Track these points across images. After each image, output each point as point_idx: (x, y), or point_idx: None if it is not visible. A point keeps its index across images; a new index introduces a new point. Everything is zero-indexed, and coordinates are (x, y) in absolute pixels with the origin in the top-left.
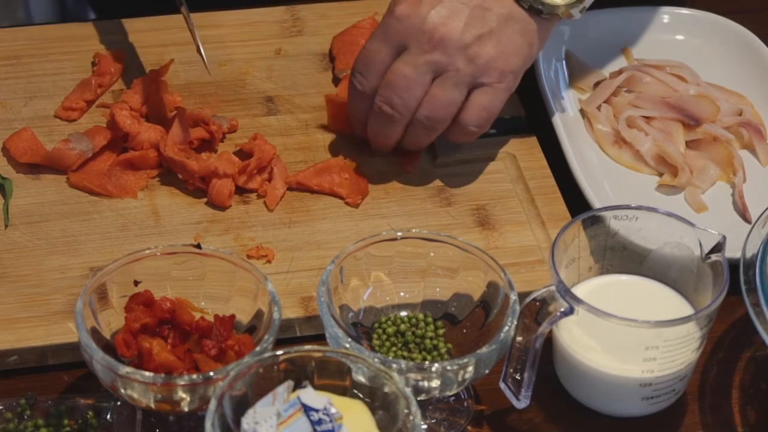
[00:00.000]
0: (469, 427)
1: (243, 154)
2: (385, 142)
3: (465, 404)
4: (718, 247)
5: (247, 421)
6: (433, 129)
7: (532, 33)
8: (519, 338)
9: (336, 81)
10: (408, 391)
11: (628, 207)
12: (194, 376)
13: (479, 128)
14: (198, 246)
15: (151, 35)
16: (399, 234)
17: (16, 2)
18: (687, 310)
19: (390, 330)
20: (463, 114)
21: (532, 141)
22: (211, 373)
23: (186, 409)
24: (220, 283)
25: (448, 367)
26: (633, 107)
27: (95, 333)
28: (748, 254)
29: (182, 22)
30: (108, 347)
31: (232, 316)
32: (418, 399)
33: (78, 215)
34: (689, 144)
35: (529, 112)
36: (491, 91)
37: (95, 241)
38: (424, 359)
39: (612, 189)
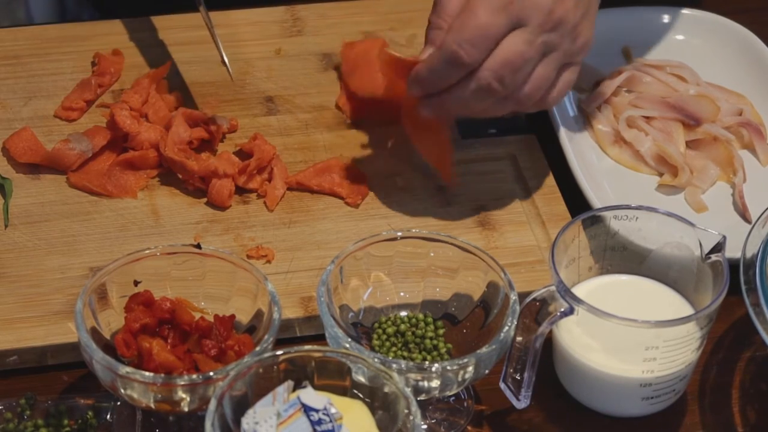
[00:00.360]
0: (469, 427)
1: (243, 154)
2: (466, 111)
3: (465, 404)
4: (718, 247)
5: (247, 421)
6: (523, 104)
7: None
8: (519, 338)
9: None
10: (408, 391)
11: (628, 207)
12: (194, 376)
13: (556, 103)
14: (198, 246)
15: (151, 35)
16: (399, 234)
17: (17, 2)
18: (687, 310)
19: (390, 330)
20: (552, 91)
21: (532, 141)
22: (211, 373)
23: (186, 409)
24: (220, 283)
25: (448, 367)
26: (633, 107)
27: (95, 333)
28: (748, 254)
29: (183, 21)
30: (108, 347)
31: (232, 316)
32: (418, 399)
33: (78, 215)
34: (689, 144)
35: (529, 112)
36: (576, 69)
37: (95, 241)
38: (424, 359)
39: (612, 189)
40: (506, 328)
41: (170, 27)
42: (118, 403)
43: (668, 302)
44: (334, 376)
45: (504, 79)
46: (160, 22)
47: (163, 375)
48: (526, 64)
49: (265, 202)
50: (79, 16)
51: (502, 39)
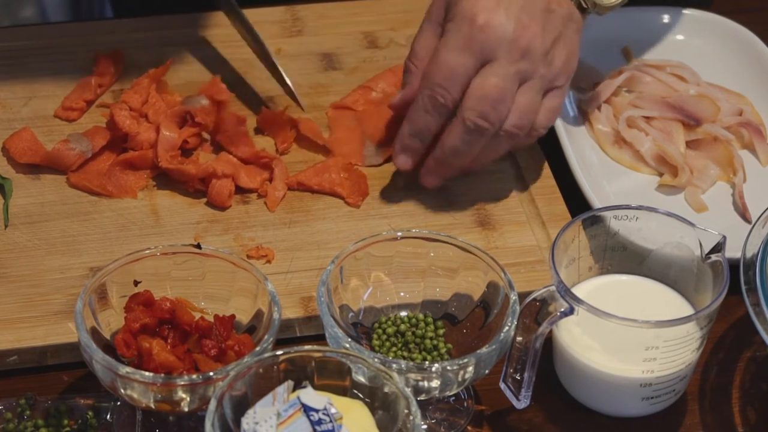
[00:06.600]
0: (469, 427)
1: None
2: (462, 160)
3: (465, 404)
4: (718, 247)
5: (247, 421)
6: (516, 137)
7: (581, 30)
8: (519, 338)
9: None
10: (408, 391)
11: (628, 207)
12: (194, 376)
13: (546, 130)
14: (198, 246)
15: (151, 35)
16: (399, 234)
17: (17, 2)
18: (687, 310)
19: (390, 330)
20: (538, 118)
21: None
22: (211, 373)
23: (186, 409)
24: (220, 283)
25: (448, 367)
26: (633, 107)
27: (95, 333)
28: (748, 254)
29: (183, 21)
30: (108, 347)
31: (232, 316)
32: (418, 399)
33: (78, 215)
34: (689, 144)
35: (524, 145)
36: (560, 93)
37: (95, 241)
38: (424, 359)
39: (612, 189)
40: (506, 328)
41: (170, 27)
42: (118, 403)
43: (668, 302)
44: (334, 376)
45: (487, 114)
46: (160, 22)
47: (163, 375)
48: (504, 94)
49: (265, 203)
50: (93, 12)
51: (472, 76)
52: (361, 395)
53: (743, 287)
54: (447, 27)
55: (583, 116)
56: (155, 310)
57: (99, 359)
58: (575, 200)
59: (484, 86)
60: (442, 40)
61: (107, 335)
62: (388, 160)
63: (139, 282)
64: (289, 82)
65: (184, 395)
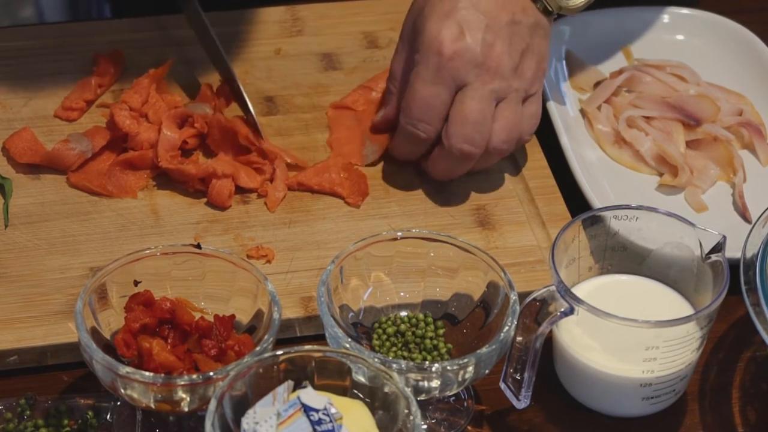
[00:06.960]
0: (469, 427)
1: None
2: (452, 177)
3: (465, 404)
4: (718, 247)
5: (247, 421)
6: (507, 151)
7: (549, 33)
8: (519, 338)
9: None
10: (408, 391)
11: (628, 207)
12: (194, 376)
13: (531, 136)
14: (198, 246)
15: (151, 35)
16: (399, 234)
17: (17, 2)
18: (687, 310)
19: (390, 330)
20: (522, 127)
21: (533, 141)
22: (211, 373)
23: (186, 409)
24: (220, 283)
25: (448, 367)
26: (633, 107)
27: (95, 333)
28: (748, 254)
29: (183, 21)
30: (108, 347)
31: (232, 316)
32: (418, 399)
33: (78, 215)
34: (689, 144)
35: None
36: (537, 98)
37: (95, 241)
38: (424, 359)
39: (612, 189)
40: (506, 328)
41: (170, 27)
42: (118, 403)
43: (668, 302)
44: (334, 376)
45: (472, 138)
46: (160, 22)
47: (163, 375)
48: (484, 115)
49: (265, 203)
50: (91, 13)
51: (449, 104)
52: (361, 395)
53: (743, 287)
54: (416, 58)
55: (583, 116)
56: (155, 310)
57: (99, 359)
58: (575, 200)
59: (463, 111)
60: (414, 72)
61: (107, 335)
62: (388, 159)
63: (139, 282)
64: (247, 100)
65: (184, 395)
